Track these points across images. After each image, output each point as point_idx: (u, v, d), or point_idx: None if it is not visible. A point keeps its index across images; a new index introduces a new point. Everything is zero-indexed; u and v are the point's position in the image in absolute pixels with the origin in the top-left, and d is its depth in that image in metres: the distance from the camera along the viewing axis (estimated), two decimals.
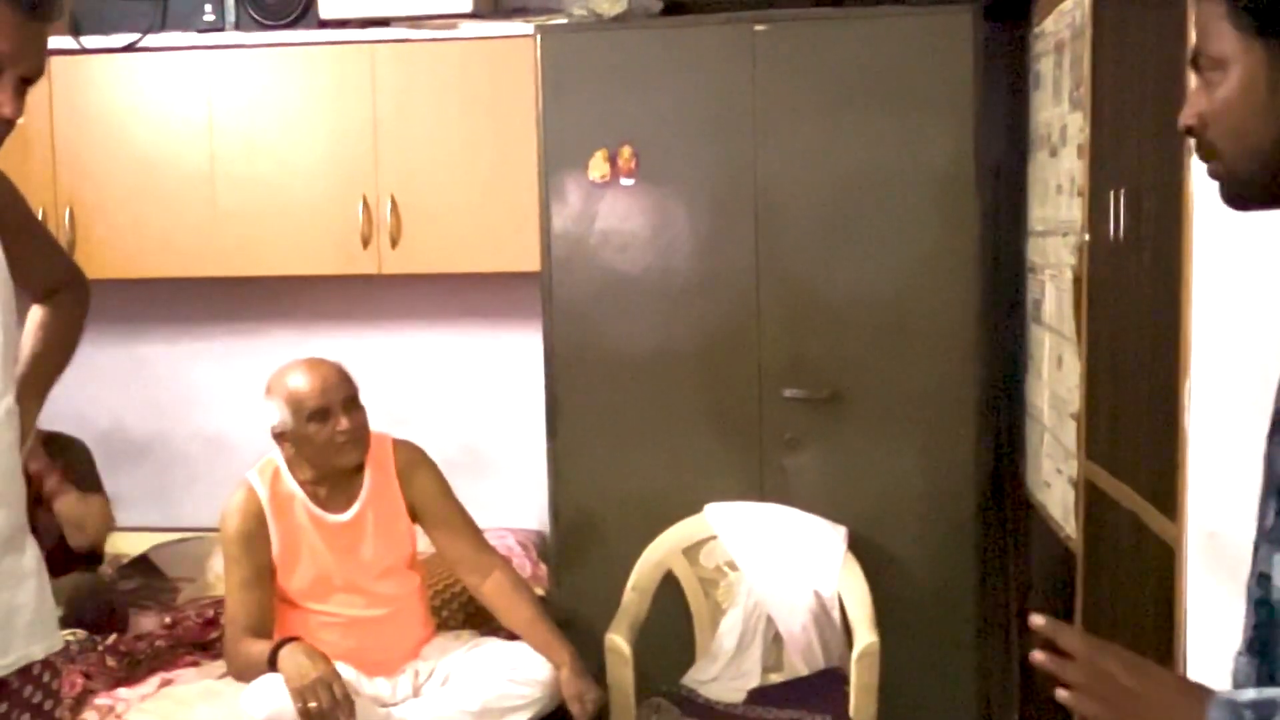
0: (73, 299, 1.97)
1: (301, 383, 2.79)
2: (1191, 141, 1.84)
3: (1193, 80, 1.21)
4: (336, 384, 2.80)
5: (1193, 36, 1.22)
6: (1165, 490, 1.98)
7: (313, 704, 2.54)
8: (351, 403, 2.82)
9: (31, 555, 1.70)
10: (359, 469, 2.87)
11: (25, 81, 1.54)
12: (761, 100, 3.25)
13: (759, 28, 3.24)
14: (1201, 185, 1.85)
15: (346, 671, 2.71)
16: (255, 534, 2.82)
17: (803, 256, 3.28)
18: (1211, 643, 1.81)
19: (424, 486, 2.93)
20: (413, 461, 2.95)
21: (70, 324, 1.96)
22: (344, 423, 2.77)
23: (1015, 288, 3.45)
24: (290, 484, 2.85)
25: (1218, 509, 1.81)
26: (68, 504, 3.27)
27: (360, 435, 2.81)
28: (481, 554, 2.96)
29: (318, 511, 2.84)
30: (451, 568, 3.04)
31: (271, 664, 2.64)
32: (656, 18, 3.38)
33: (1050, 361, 2.98)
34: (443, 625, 3.15)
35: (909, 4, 3.25)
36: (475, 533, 2.98)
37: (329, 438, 2.77)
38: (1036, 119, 3.20)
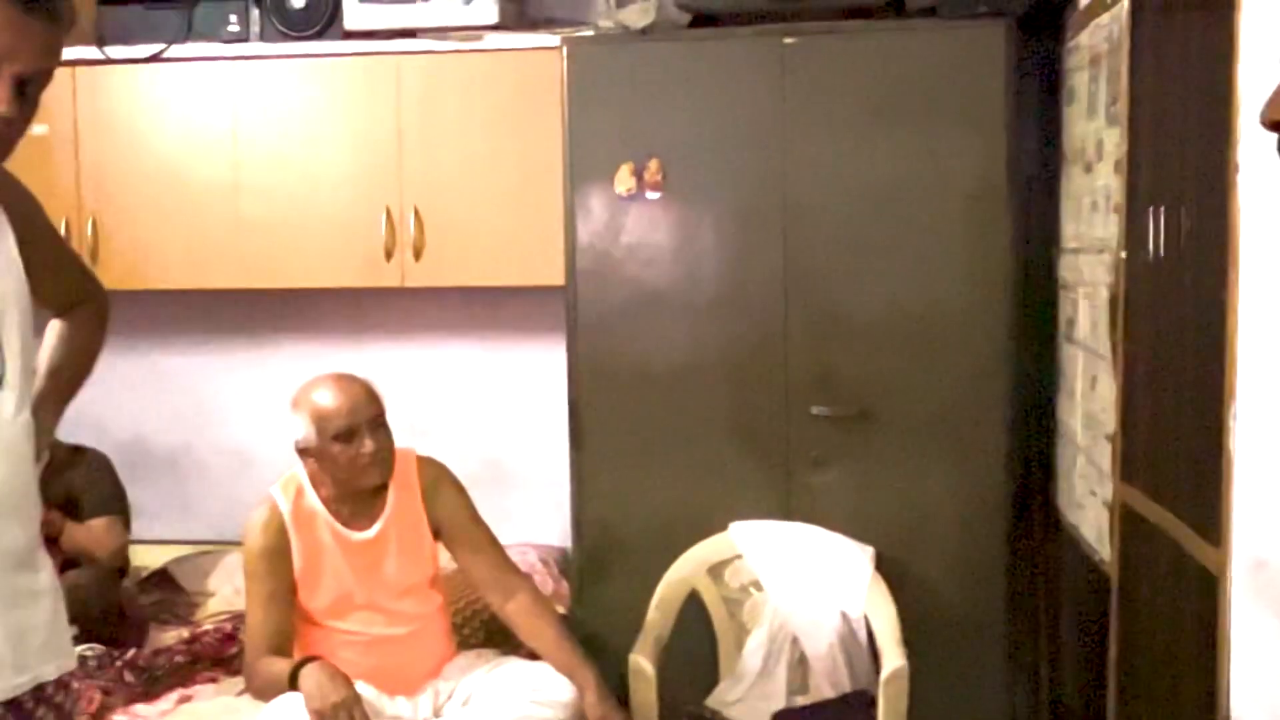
0: (93, 314, 1.94)
1: (329, 400, 2.75)
2: (1239, 157, 1.80)
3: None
4: (364, 404, 2.76)
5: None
6: (1208, 516, 1.93)
7: None
8: (378, 423, 2.78)
9: (46, 574, 1.66)
10: (383, 486, 2.83)
11: (24, 82, 1.49)
12: (790, 114, 3.21)
13: (788, 41, 3.20)
14: (1248, 201, 1.80)
15: (367, 691, 2.67)
16: (277, 551, 2.78)
17: (831, 272, 3.24)
18: (1257, 678, 1.76)
19: (448, 505, 2.89)
20: (437, 479, 2.91)
21: (90, 339, 1.93)
22: (369, 444, 2.73)
23: (1047, 305, 3.39)
24: (313, 500, 2.82)
25: (1266, 537, 1.76)
26: (70, 539, 3.29)
27: (385, 457, 2.78)
28: (505, 574, 2.92)
29: (340, 529, 2.80)
30: (475, 587, 3.00)
31: (292, 683, 2.60)
32: (684, 30, 3.35)
33: (1084, 381, 2.93)
34: (464, 643, 3.11)
35: (940, 17, 3.20)
36: (499, 552, 2.94)
37: (353, 458, 2.73)
38: (1070, 134, 3.15)
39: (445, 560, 3.01)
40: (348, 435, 2.72)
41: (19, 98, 1.48)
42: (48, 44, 1.51)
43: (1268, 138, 1.73)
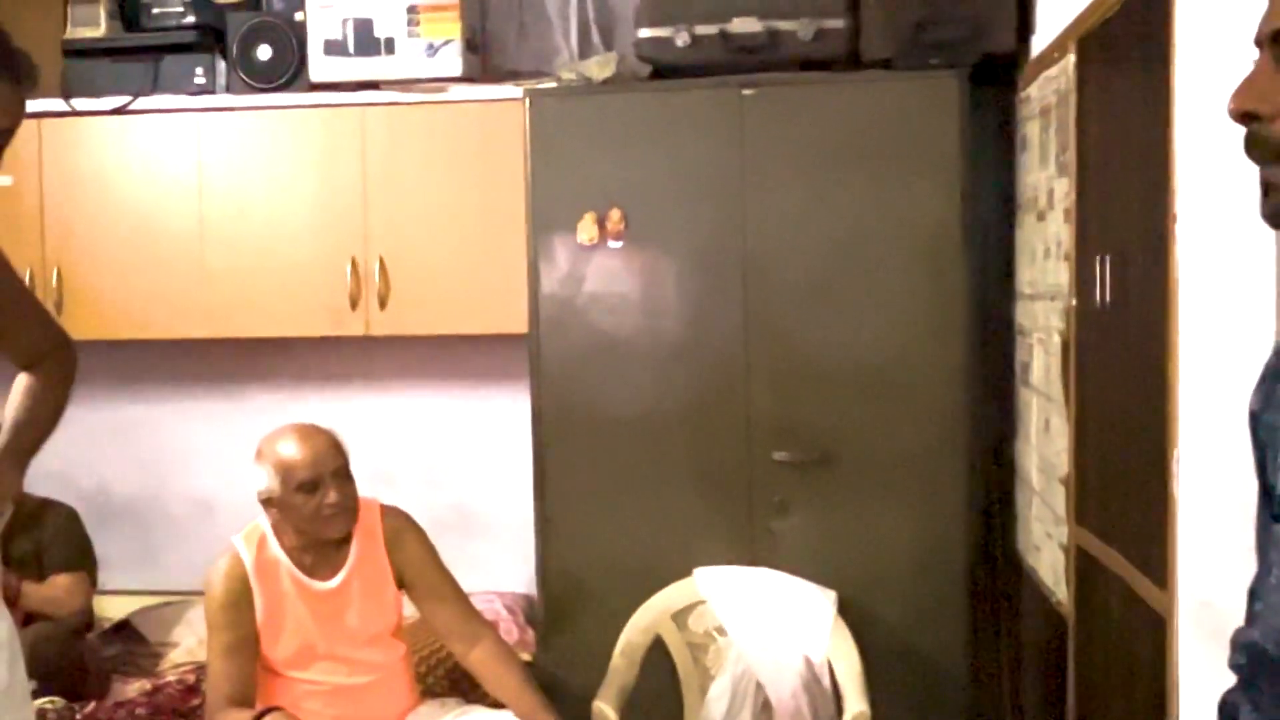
0: (59, 367, 1.95)
1: (293, 451, 2.75)
2: (1178, 208, 1.85)
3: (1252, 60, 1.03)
4: (328, 456, 2.76)
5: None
6: (1155, 558, 1.96)
7: None
8: (341, 474, 2.77)
9: (5, 627, 1.67)
10: (346, 536, 2.83)
11: None
12: (749, 164, 3.26)
13: (747, 92, 3.26)
14: (1186, 251, 1.85)
15: None
16: (239, 601, 2.77)
17: (791, 319, 3.27)
18: (1204, 717, 1.79)
19: (412, 554, 2.89)
20: (401, 528, 2.91)
21: (55, 393, 1.94)
22: (332, 495, 2.73)
23: (1003, 350, 3.45)
24: (276, 550, 2.82)
25: (1210, 579, 1.79)
26: (29, 601, 3.28)
27: (348, 508, 2.77)
28: (469, 623, 2.92)
29: (303, 578, 2.80)
30: (439, 635, 3.00)
31: None
32: (645, 82, 3.40)
33: (1038, 425, 2.97)
34: (428, 692, 3.10)
35: (896, 69, 3.27)
36: (463, 601, 2.95)
37: (316, 509, 2.73)
38: (1023, 182, 3.22)
39: (409, 610, 3.01)
40: (311, 486, 2.73)
41: None
42: (10, 104, 1.54)
43: (1205, 186, 1.79)
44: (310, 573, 2.80)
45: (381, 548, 2.85)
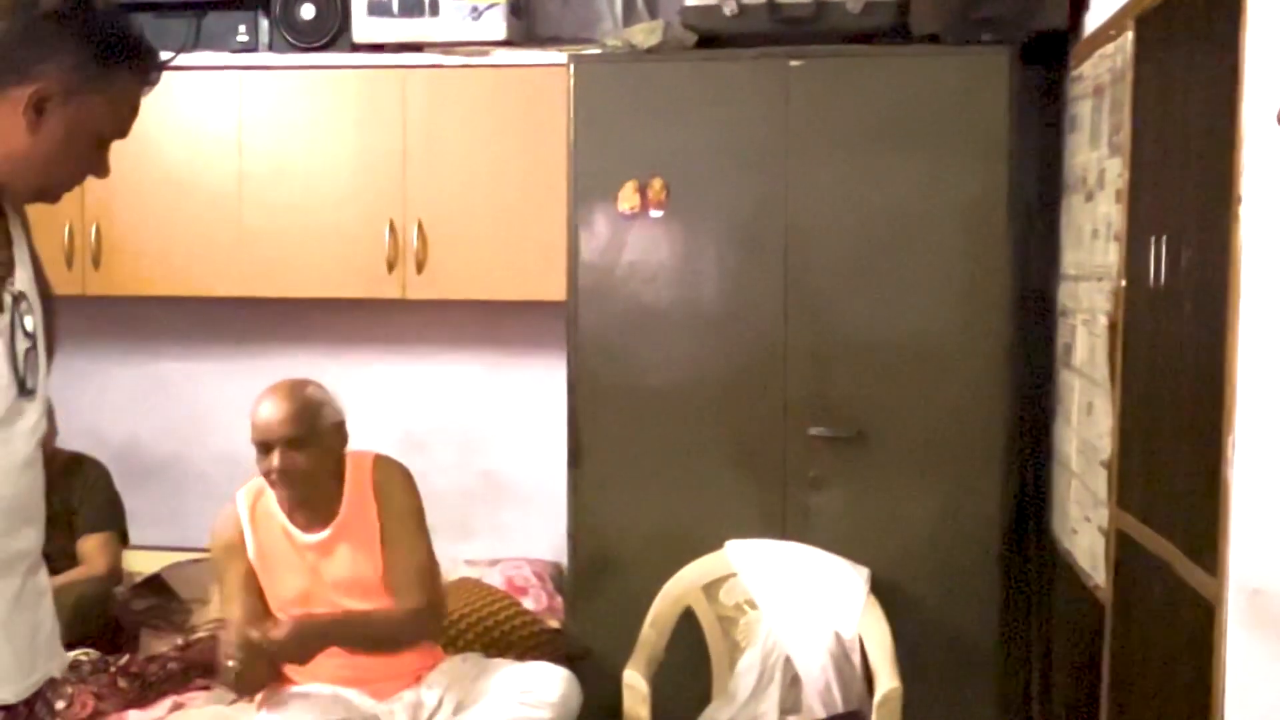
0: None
1: (258, 409, 2.77)
2: (1242, 189, 1.82)
3: None
4: (280, 423, 2.73)
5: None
6: (1204, 544, 1.94)
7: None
8: (293, 445, 2.73)
9: (44, 572, 1.69)
10: (338, 490, 2.82)
11: None
12: (794, 136, 3.23)
13: (794, 63, 3.23)
14: (1251, 232, 1.82)
15: (348, 694, 2.75)
16: (233, 550, 2.84)
17: (832, 294, 3.25)
18: (1253, 705, 1.77)
19: (393, 503, 2.84)
20: (389, 478, 2.86)
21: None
22: (273, 462, 2.74)
23: (1044, 331, 3.42)
24: (270, 502, 2.84)
25: (1262, 565, 1.77)
26: (69, 577, 3.30)
27: (289, 480, 2.75)
28: (403, 583, 2.78)
29: (292, 530, 2.82)
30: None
31: None
32: (691, 50, 3.37)
33: (1080, 407, 2.95)
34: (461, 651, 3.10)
35: (944, 44, 3.23)
36: (411, 560, 2.81)
37: (266, 470, 2.76)
38: (1072, 162, 3.18)
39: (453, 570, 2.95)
40: (262, 448, 2.75)
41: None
42: (138, 104, 1.58)
43: (1271, 168, 1.76)
44: (303, 525, 2.82)
45: (371, 499, 2.84)
